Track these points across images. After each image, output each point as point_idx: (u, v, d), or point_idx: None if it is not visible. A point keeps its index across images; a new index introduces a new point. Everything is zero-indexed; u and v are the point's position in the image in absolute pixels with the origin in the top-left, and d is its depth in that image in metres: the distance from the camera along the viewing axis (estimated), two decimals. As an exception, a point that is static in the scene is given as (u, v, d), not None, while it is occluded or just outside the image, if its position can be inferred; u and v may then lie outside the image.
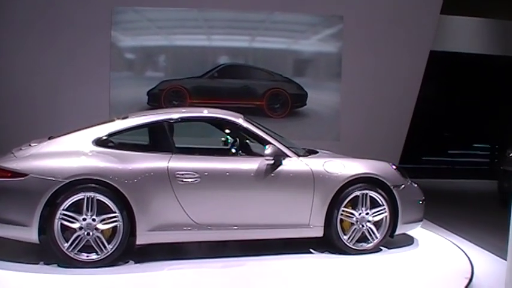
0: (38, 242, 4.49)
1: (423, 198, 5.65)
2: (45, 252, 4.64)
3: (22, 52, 9.84)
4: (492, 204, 9.38)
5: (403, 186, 5.42)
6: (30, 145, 4.91)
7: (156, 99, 10.41)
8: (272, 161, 5.04)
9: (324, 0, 10.75)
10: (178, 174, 4.78)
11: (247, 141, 5.58)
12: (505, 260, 3.79)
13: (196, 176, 4.82)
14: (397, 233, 5.42)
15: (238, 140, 5.47)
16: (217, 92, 10.59)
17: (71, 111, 9.67)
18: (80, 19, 9.97)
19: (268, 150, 5.02)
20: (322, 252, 5.34)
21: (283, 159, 5.12)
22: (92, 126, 5.06)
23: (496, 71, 13.80)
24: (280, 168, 5.07)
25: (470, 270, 4.91)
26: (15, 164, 4.58)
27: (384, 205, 5.28)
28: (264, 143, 5.18)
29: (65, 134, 4.98)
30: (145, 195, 4.67)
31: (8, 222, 4.45)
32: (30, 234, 4.43)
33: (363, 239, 5.29)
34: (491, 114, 14.41)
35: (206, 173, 4.87)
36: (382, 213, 5.29)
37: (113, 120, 5.23)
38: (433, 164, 14.72)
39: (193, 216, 4.82)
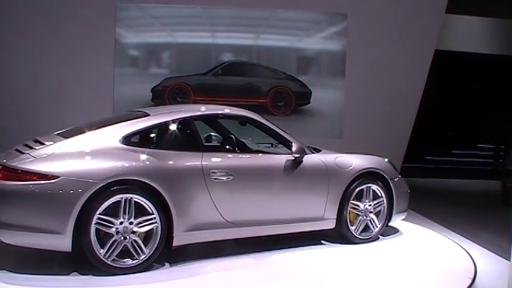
0: (70, 250, 4.14)
1: (409, 189, 6.13)
2: (72, 261, 4.38)
3: (25, 48, 9.81)
4: (495, 204, 9.35)
5: (396, 179, 5.91)
6: (42, 143, 4.47)
7: (160, 96, 10.39)
8: (298, 158, 5.22)
9: (328, -2, 10.73)
10: (212, 172, 4.74)
11: (243, 139, 5.62)
12: (508, 260, 3.77)
13: (229, 173, 4.81)
14: (391, 222, 5.88)
15: (233, 137, 5.42)
16: (221, 89, 10.57)
17: (74, 108, 9.62)
18: (84, 15, 9.95)
19: (295, 147, 5.23)
20: (333, 243, 5.60)
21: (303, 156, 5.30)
22: (113, 123, 4.78)
23: (500, 71, 13.74)
24: (302, 164, 5.26)
25: (473, 270, 4.89)
26: (39, 165, 4.16)
27: (382, 197, 5.74)
28: (287, 142, 5.33)
29: (84, 132, 4.61)
30: (182, 194, 4.55)
31: (36, 230, 4.05)
32: (63, 242, 4.08)
33: (365, 228, 5.70)
34: (496, 114, 14.37)
35: (238, 171, 4.88)
36: (381, 204, 5.74)
37: (134, 117, 4.93)
38: (437, 164, 14.67)
39: (225, 214, 4.81)
